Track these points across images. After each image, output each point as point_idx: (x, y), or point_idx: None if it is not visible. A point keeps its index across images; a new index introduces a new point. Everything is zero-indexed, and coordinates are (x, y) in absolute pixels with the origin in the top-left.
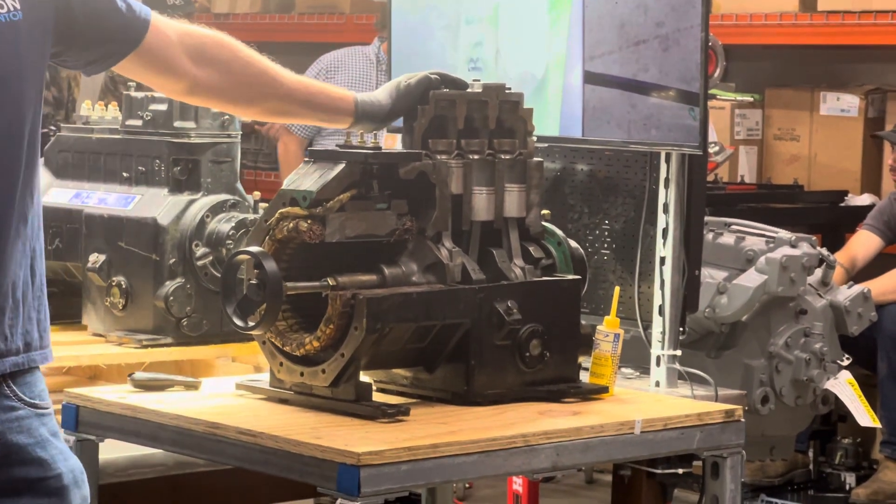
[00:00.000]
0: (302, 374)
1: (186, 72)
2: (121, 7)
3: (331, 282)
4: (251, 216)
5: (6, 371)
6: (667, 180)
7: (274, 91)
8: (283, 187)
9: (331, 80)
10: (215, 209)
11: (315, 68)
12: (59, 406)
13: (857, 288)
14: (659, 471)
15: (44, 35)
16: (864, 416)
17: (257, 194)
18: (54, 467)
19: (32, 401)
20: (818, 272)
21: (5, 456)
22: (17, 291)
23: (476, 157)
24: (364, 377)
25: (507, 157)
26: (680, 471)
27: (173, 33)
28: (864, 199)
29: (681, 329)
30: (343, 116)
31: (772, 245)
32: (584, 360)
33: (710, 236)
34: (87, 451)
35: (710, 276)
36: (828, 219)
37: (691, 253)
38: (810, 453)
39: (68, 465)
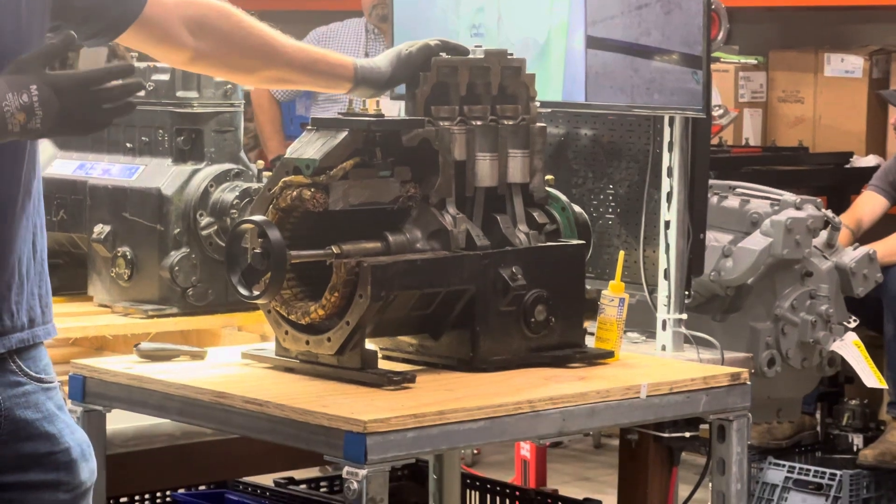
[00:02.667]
0: (307, 343)
1: (186, 42)
2: None
3: (335, 250)
4: (255, 185)
5: (12, 347)
6: (670, 144)
7: (274, 59)
8: (286, 156)
9: None
10: (219, 178)
11: (308, 40)
12: (66, 377)
13: (863, 249)
14: (666, 434)
15: (43, 9)
16: (871, 377)
17: (260, 163)
18: (62, 441)
19: (38, 375)
20: (823, 234)
21: (13, 431)
22: (22, 267)
23: (479, 123)
24: (369, 345)
25: (510, 122)
26: (687, 434)
27: (172, 4)
28: (870, 161)
29: (686, 293)
30: (342, 82)
31: (777, 207)
32: (589, 325)
33: (714, 199)
34: (94, 422)
35: (715, 239)
36: (833, 180)
37: (696, 216)
38: (817, 415)
39: (75, 438)
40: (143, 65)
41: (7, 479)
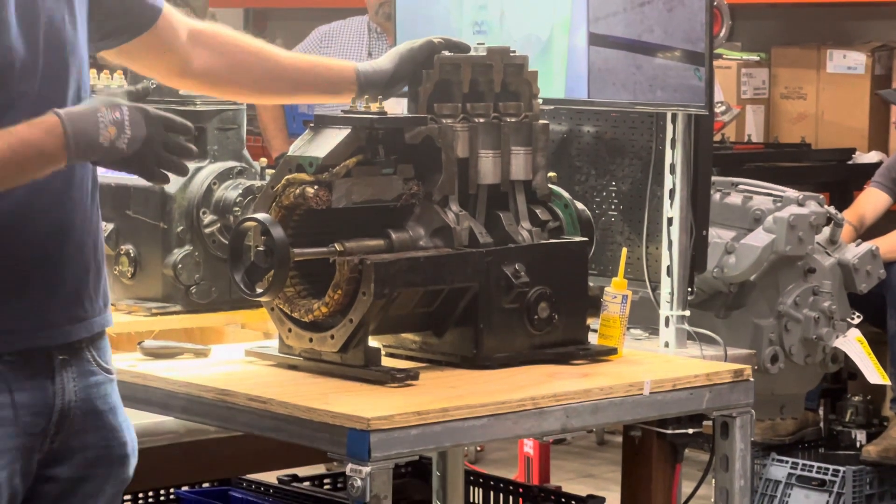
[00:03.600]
0: (311, 340)
1: (188, 56)
2: None
3: (338, 247)
4: (258, 183)
5: (94, 332)
6: (673, 141)
7: (273, 68)
8: (288, 153)
9: (325, 51)
10: (222, 176)
11: (310, 39)
12: None
13: (866, 246)
14: (669, 431)
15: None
16: (874, 373)
17: (264, 161)
18: (121, 435)
19: (107, 366)
20: (826, 230)
21: (84, 422)
22: (97, 254)
23: (482, 120)
24: (373, 342)
25: (513, 120)
26: (690, 431)
27: (178, 22)
28: (872, 157)
29: (689, 289)
30: (347, 87)
31: (779, 204)
32: (592, 322)
33: (717, 196)
34: None
35: (718, 235)
36: (835, 177)
37: (699, 213)
38: (821, 411)
39: (130, 434)
40: None
41: (68, 469)
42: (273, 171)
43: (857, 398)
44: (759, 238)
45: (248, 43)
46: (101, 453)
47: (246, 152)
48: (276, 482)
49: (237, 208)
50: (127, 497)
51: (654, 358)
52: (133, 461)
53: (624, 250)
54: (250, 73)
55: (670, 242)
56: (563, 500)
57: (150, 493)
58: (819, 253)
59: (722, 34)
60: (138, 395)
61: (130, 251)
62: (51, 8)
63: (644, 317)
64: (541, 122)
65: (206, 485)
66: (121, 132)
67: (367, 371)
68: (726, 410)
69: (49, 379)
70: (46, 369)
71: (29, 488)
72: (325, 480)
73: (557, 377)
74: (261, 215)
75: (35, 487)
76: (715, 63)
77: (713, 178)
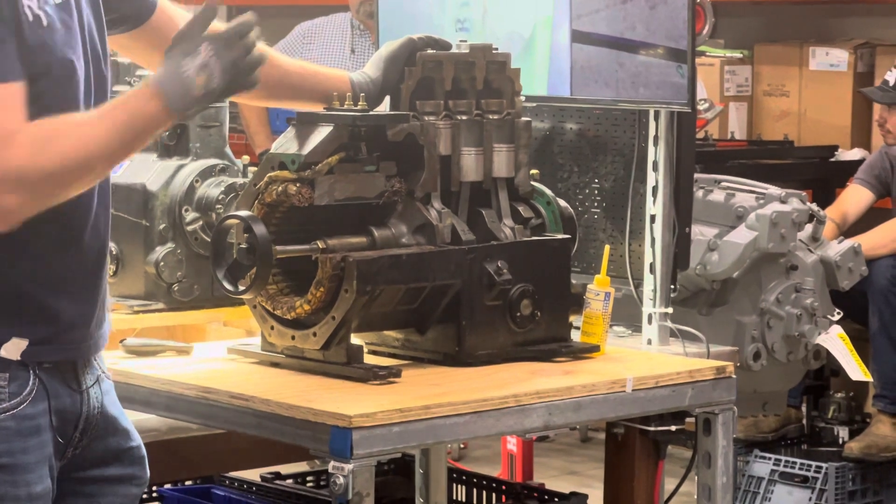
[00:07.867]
0: (293, 338)
1: None
2: None
3: (320, 245)
4: (240, 180)
5: (105, 339)
6: (656, 138)
7: (276, 73)
8: (271, 151)
9: (307, 47)
10: (204, 174)
11: (293, 36)
12: None
13: (848, 243)
14: (652, 428)
15: None
16: (856, 370)
17: (246, 158)
18: (134, 437)
19: (107, 372)
20: (809, 227)
21: (104, 428)
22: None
23: (464, 117)
24: (355, 339)
25: (495, 117)
26: (673, 428)
27: (179, 17)
28: (855, 154)
29: (672, 287)
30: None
31: (762, 201)
32: (575, 320)
33: (700, 193)
34: None
35: (701, 233)
36: (818, 174)
37: (681, 210)
38: (803, 408)
39: (138, 435)
40: (127, 61)
41: (90, 474)
42: (255, 168)
43: (839, 395)
44: (741, 235)
45: None
46: (121, 456)
47: (228, 149)
48: (259, 480)
49: (219, 206)
50: None
51: (636, 355)
52: (147, 461)
53: (606, 247)
54: None
55: (653, 240)
56: (546, 497)
57: None
58: (801, 250)
59: (705, 31)
60: (120, 393)
61: (112, 249)
62: (89, 20)
63: (627, 314)
64: (523, 119)
65: (188, 482)
66: (210, 74)
67: (350, 368)
68: (709, 407)
69: (76, 388)
70: (74, 378)
71: (58, 495)
72: (308, 478)
73: (540, 374)
74: (243, 213)
75: (63, 495)
76: (698, 60)
77: (696, 176)
